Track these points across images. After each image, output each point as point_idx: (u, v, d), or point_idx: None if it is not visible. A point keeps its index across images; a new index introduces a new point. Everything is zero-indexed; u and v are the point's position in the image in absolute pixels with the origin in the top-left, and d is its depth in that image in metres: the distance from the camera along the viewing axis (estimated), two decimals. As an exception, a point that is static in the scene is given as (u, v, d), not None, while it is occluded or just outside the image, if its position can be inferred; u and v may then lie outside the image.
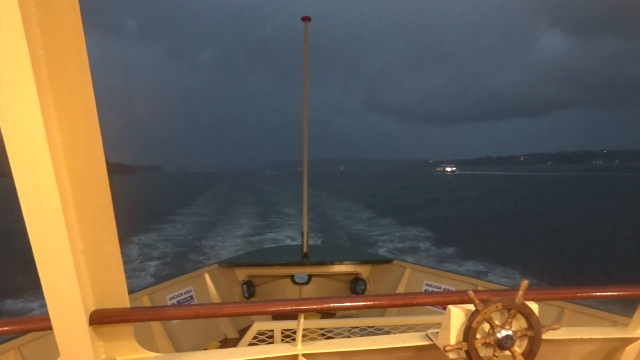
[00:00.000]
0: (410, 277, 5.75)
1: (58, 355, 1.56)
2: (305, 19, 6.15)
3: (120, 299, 1.54)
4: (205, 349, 4.31)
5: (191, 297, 5.37)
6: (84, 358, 1.47)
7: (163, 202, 55.37)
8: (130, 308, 1.56)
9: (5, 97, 1.12)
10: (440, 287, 5.34)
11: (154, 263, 19.35)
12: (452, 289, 5.15)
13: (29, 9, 1.08)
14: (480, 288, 4.64)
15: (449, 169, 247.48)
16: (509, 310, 1.60)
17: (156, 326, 4.63)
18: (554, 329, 1.66)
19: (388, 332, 2.09)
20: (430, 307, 4.70)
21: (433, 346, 1.80)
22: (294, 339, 2.36)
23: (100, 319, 1.46)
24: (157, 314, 1.74)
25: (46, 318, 1.45)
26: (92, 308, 1.47)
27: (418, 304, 1.81)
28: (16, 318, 1.71)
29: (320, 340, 2.00)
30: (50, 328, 1.44)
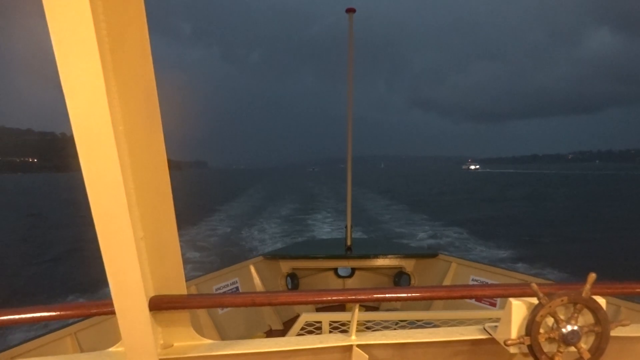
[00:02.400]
0: (456, 272, 5.66)
1: (113, 342, 1.66)
2: (350, 10, 6.11)
3: (178, 285, 1.57)
4: None
5: (237, 288, 5.48)
6: (144, 343, 1.51)
7: (219, 194, 63.52)
8: (188, 295, 1.58)
9: (73, 83, 1.15)
10: (487, 283, 5.14)
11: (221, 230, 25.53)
12: None
13: None
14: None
15: (472, 167, 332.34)
16: (574, 304, 1.53)
17: (204, 316, 4.70)
18: (623, 325, 1.58)
19: (436, 326, 2.04)
20: (473, 302, 4.90)
21: (491, 340, 1.74)
22: (342, 331, 2.41)
23: (159, 305, 1.49)
24: (214, 301, 1.82)
25: (108, 303, 1.49)
26: (152, 294, 1.49)
27: (477, 297, 1.79)
28: (80, 302, 1.75)
29: (374, 331, 1.95)
30: (112, 313, 1.48)
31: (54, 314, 1.61)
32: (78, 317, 1.76)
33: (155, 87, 1.31)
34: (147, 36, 1.26)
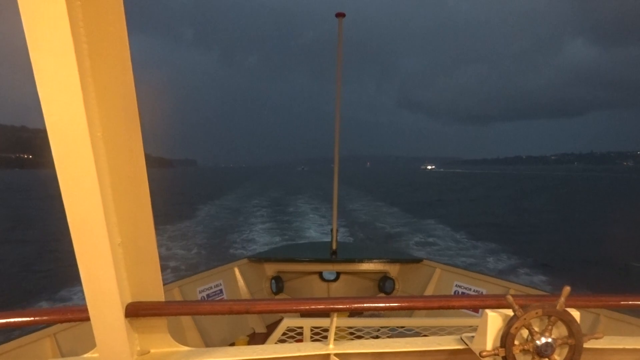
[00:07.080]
0: (440, 278, 5.74)
1: (93, 344, 1.58)
2: (340, 15, 6.13)
3: (155, 292, 1.55)
4: (233, 343, 4.78)
5: (221, 290, 5.47)
6: (119, 349, 1.49)
7: (216, 187, 74.15)
8: (165, 302, 1.56)
9: (49, 89, 1.13)
10: (470, 289, 5.32)
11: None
12: (483, 291, 5.16)
13: (74, 2, 1.09)
14: (512, 291, 4.70)
15: (429, 167, 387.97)
16: (549, 317, 1.54)
17: (186, 319, 4.71)
18: (596, 338, 1.59)
19: (417, 333, 2.08)
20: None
21: (467, 350, 1.76)
22: (324, 337, 2.45)
23: (135, 312, 1.47)
24: (191, 308, 1.81)
25: (84, 309, 1.45)
26: (129, 300, 1.47)
27: (454, 307, 1.77)
28: (55, 308, 1.71)
29: (353, 340, 1.95)
30: (87, 319, 1.45)
31: (28, 319, 1.59)
32: (53, 322, 1.70)
33: (134, 93, 1.30)
34: (127, 41, 1.24)
